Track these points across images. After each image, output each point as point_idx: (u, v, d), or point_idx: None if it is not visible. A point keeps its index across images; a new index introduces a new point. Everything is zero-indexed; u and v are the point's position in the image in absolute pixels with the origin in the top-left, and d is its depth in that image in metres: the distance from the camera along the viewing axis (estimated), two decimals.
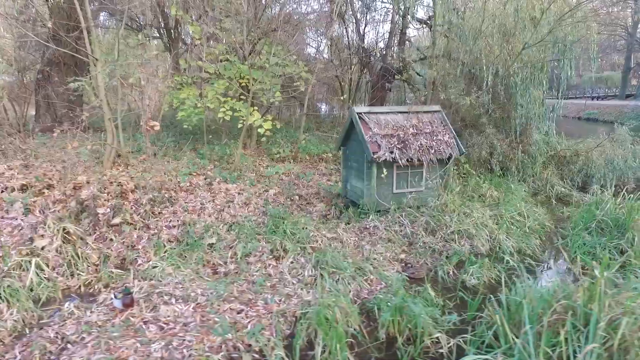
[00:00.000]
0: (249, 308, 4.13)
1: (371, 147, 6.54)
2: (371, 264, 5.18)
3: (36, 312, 4.01)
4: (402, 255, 5.55)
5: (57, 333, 3.62)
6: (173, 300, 4.15)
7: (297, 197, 7.67)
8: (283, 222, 5.96)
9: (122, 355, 3.30)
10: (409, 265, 5.36)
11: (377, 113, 7.11)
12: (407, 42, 16.41)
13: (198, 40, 8.67)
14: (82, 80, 7.21)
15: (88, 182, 6.63)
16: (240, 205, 6.90)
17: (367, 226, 6.43)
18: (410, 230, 6.16)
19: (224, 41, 8.25)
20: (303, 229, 5.85)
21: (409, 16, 12.61)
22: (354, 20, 15.50)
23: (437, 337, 3.65)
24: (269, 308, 4.16)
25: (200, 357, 3.32)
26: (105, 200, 6.18)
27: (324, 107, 19.77)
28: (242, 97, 8.15)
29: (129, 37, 12.13)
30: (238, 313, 4.03)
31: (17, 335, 3.67)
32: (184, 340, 3.53)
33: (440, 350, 3.59)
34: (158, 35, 14.85)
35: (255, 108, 9.39)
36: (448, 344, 3.60)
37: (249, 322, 3.87)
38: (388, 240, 5.95)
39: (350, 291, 4.48)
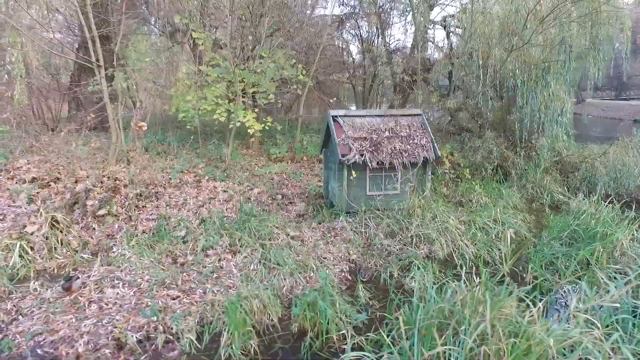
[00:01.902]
0: (185, 296, 4.52)
1: (341, 149, 6.71)
2: (320, 262, 5.39)
3: (8, 287, 4.63)
4: (354, 256, 5.70)
5: (14, 306, 4.21)
6: (120, 285, 4.63)
7: (280, 197, 7.99)
8: (250, 220, 6.30)
9: (56, 327, 3.81)
10: (358, 265, 5.50)
11: (353, 116, 7.26)
12: (429, 42, 16.24)
13: (202, 46, 9.25)
14: (99, 83, 8.01)
15: (88, 177, 7.37)
16: (220, 202, 7.34)
17: (335, 226, 6.62)
18: (374, 232, 6.26)
19: (228, 46, 8.71)
20: (267, 226, 6.15)
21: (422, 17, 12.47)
22: (378, 21, 15.56)
23: (343, 333, 3.81)
24: (204, 297, 4.52)
25: (120, 334, 3.74)
26: (97, 193, 6.85)
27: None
28: (235, 99, 8.58)
29: (152, 41, 13.11)
30: (173, 299, 4.42)
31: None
32: (114, 319, 3.98)
33: (344, 346, 3.75)
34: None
35: (256, 110, 9.86)
36: (352, 340, 3.75)
37: (179, 308, 4.25)
38: (348, 240, 6.11)
39: (284, 286, 4.73)
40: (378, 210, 6.74)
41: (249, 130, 8.32)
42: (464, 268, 5.31)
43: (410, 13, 12.28)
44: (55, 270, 5.20)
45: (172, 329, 3.92)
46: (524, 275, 5.16)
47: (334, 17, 12.95)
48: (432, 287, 3.80)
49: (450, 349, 3.02)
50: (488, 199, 8.00)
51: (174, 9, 10.97)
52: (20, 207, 6.52)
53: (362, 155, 6.70)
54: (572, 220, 6.06)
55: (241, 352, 3.64)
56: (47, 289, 4.57)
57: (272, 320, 4.11)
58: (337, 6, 13.42)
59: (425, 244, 5.95)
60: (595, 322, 3.03)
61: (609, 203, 6.50)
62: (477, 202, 7.86)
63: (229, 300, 4.00)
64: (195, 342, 3.76)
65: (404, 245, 5.94)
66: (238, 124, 8.38)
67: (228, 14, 7.36)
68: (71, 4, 7.45)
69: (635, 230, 5.51)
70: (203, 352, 3.68)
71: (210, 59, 9.20)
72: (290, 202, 7.93)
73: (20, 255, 5.28)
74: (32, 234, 5.73)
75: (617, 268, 4.54)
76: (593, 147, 9.32)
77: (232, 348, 3.59)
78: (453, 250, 5.90)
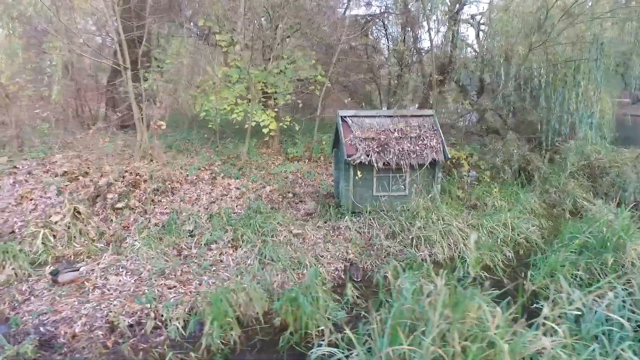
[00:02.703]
0: (182, 286, 4.77)
1: (348, 149, 6.76)
2: (317, 260, 5.49)
3: (28, 270, 5.08)
4: (351, 256, 5.73)
5: (29, 287, 4.63)
6: (124, 273, 4.96)
7: (291, 195, 8.15)
8: (256, 217, 6.50)
9: (60, 309, 4.16)
10: (354, 264, 5.53)
11: (362, 117, 7.28)
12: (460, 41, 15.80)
13: (225, 48, 9.59)
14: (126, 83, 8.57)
15: (112, 172, 7.88)
16: (232, 198, 7.61)
17: (340, 226, 6.68)
18: (376, 233, 6.26)
19: (241, 48, 9.00)
20: (271, 223, 6.31)
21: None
22: (406, 20, 15.33)
23: (323, 329, 3.89)
24: (199, 288, 4.74)
25: (114, 318, 4.02)
26: (118, 187, 7.32)
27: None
28: (253, 99, 8.84)
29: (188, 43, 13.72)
30: (169, 289, 4.68)
31: (6, 285, 4.75)
32: (112, 304, 4.29)
33: (321, 342, 3.82)
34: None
35: (276, 109, 10.08)
36: (330, 336, 3.82)
37: (173, 297, 4.50)
38: (349, 240, 6.15)
39: (275, 281, 4.86)
40: (382, 211, 6.72)
41: (263, 130, 8.54)
42: (462, 272, 5.26)
43: (437, 12, 12.02)
44: (72, 257, 5.64)
45: (162, 316, 4.17)
46: (524, 283, 4.97)
47: (358, 17, 12.94)
48: (412, 288, 3.78)
49: (414, 350, 3.02)
50: (505, 203, 7.75)
51: (202, 12, 11.39)
52: (50, 199, 7.09)
53: (368, 155, 6.71)
54: (586, 227, 5.75)
55: (222, 342, 3.81)
56: (58, 274, 4.97)
57: (257, 313, 4.25)
58: (362, 6, 13.36)
59: (426, 246, 5.88)
60: (561, 331, 2.93)
61: (631, 209, 6.11)
62: (492, 205, 7.63)
63: (216, 291, 4.18)
64: (181, 329, 3.97)
65: (404, 246, 5.91)
66: (254, 124, 8.62)
67: (242, 17, 7.60)
68: (104, 9, 7.94)
69: None
70: (187, 340, 3.89)
71: (232, 60, 9.52)
72: (301, 201, 8.05)
73: (43, 242, 5.77)
74: (56, 223, 6.23)
75: (612, 279, 4.28)
76: (624, 151, 8.73)
77: (212, 337, 3.76)
78: (454, 253, 5.79)
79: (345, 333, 3.77)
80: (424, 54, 14.77)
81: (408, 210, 6.52)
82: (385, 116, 7.35)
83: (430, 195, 6.74)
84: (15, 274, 4.97)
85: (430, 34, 10.19)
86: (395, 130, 7.11)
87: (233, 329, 3.93)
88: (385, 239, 6.06)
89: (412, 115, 7.39)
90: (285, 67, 9.47)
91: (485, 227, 6.42)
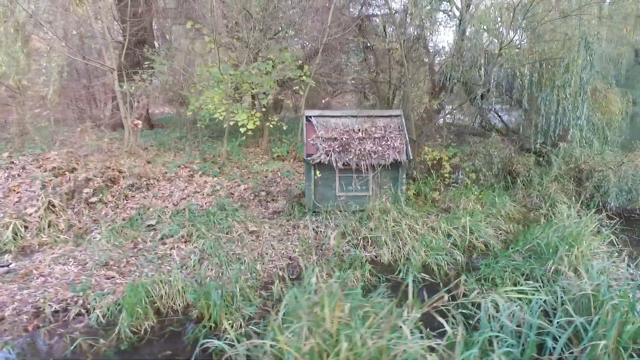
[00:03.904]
0: (120, 277, 4.99)
1: (308, 149, 6.82)
2: (262, 257, 5.59)
3: None
4: (295, 254, 5.78)
5: None
6: (71, 263, 5.25)
7: (264, 193, 8.28)
8: (215, 213, 6.68)
9: None
10: (295, 262, 5.59)
11: (327, 117, 7.31)
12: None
13: (212, 49, 9.86)
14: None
15: (95, 168, 8.30)
16: (203, 195, 7.83)
17: (300, 224, 6.75)
18: (325, 232, 6.29)
19: (235, 49, 9.24)
20: (228, 220, 6.47)
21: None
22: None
23: (231, 323, 4.00)
24: (138, 280, 4.95)
25: (43, 303, 4.29)
26: (96, 182, 7.71)
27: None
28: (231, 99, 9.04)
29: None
30: (108, 279, 4.92)
31: None
32: (46, 290, 4.56)
33: (228, 335, 3.92)
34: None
35: (263, 109, 10.25)
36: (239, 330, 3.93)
37: (108, 287, 4.73)
38: (299, 238, 6.21)
39: (208, 276, 5.00)
40: (340, 211, 6.73)
41: (241, 129, 8.73)
42: (401, 273, 5.23)
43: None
44: (37, 247, 6.01)
45: (89, 304, 4.40)
46: (458, 285, 4.87)
47: (354, 17, 12.88)
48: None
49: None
50: (479, 206, 7.56)
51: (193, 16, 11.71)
52: (35, 192, 7.57)
53: (328, 155, 6.74)
54: (539, 232, 5.54)
55: (134, 330, 3.99)
56: (14, 262, 5.34)
57: (179, 305, 4.40)
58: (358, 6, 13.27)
59: (373, 247, 5.85)
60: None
61: (596, 213, 5.85)
62: (464, 208, 7.46)
63: (140, 283, 4.37)
64: (101, 317, 4.18)
65: (352, 247, 5.90)
66: (232, 123, 8.82)
67: (218, 18, 7.80)
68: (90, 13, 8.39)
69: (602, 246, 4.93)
70: (104, 327, 4.09)
71: (214, 61, 9.77)
72: (273, 199, 8.17)
73: (14, 233, 6.19)
74: (30, 215, 6.66)
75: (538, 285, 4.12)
76: (609, 154, 8.29)
77: (124, 325, 3.95)
78: (401, 255, 5.73)
79: (251, 328, 3.89)
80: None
81: (363, 210, 6.50)
82: (351, 116, 7.35)
83: (386, 196, 6.68)
84: None
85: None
86: (359, 130, 7.10)
87: (147, 318, 4.09)
88: (334, 238, 6.07)
89: (378, 116, 7.35)
90: (273, 67, 9.62)
91: (444, 230, 6.30)
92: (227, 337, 3.87)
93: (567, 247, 4.91)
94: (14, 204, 7.14)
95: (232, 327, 3.97)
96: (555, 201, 7.77)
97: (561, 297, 3.94)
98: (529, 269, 4.99)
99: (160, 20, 15.22)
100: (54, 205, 6.88)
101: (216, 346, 3.47)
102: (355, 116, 7.30)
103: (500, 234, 6.68)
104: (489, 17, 7.95)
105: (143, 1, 12.16)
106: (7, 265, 5.14)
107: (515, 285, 4.77)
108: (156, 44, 14.97)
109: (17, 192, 7.56)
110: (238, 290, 4.37)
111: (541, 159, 8.54)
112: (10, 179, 7.99)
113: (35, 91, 10.06)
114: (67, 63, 10.18)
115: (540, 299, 3.96)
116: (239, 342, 3.57)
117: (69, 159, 8.75)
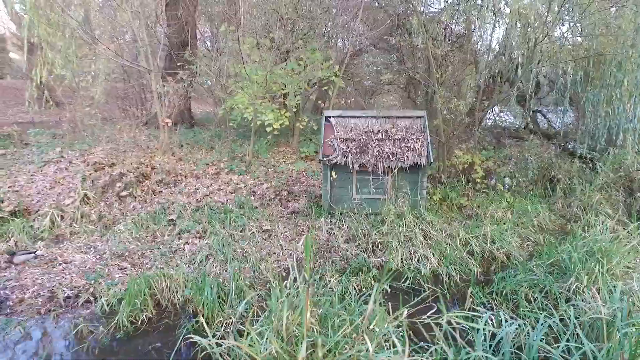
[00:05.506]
0: (132, 268, 5.24)
1: (325, 149, 6.75)
2: (269, 257, 5.62)
3: (27, 243, 5.98)
4: (302, 255, 5.73)
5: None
6: (91, 251, 5.59)
7: (285, 193, 8.32)
8: (232, 211, 6.82)
9: (23, 277, 4.86)
10: (301, 264, 5.54)
11: (347, 117, 7.19)
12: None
13: (247, 52, 10.10)
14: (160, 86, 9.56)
15: (131, 164, 8.80)
16: (226, 193, 8.03)
17: (315, 225, 6.71)
18: (336, 235, 6.18)
19: (268, 50, 9.42)
20: (243, 218, 6.58)
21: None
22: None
23: (222, 320, 4.05)
24: (148, 272, 5.17)
25: (57, 288, 4.61)
26: (129, 177, 8.17)
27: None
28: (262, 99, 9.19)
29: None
30: (120, 269, 5.18)
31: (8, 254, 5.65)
32: (64, 277, 4.89)
33: (217, 333, 3.98)
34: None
35: (294, 109, 10.34)
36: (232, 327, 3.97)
37: (119, 277, 4.98)
38: (313, 240, 6.15)
39: (212, 272, 5.10)
40: (355, 213, 6.59)
41: (267, 129, 8.84)
42: (408, 281, 5.02)
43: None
44: (68, 236, 6.47)
45: (98, 292, 4.66)
46: (465, 299, 4.57)
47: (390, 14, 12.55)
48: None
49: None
50: (509, 215, 7.07)
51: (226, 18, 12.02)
52: (75, 184, 8.18)
53: (345, 156, 6.63)
54: (568, 244, 5.06)
55: (133, 320, 4.16)
56: (43, 249, 5.78)
57: (178, 299, 4.53)
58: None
59: (383, 253, 5.66)
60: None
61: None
62: (492, 216, 7.01)
63: (143, 275, 4.55)
64: (106, 306, 4.40)
65: (361, 251, 5.75)
66: (259, 122, 8.97)
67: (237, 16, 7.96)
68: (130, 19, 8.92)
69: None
70: (107, 315, 4.30)
71: (252, 61, 9.98)
72: (294, 199, 8.19)
73: (52, 221, 6.72)
74: (67, 205, 7.21)
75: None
76: None
77: (122, 315, 4.13)
78: (411, 262, 5.49)
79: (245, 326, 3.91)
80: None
81: (378, 214, 6.31)
82: (372, 117, 7.17)
83: (402, 200, 6.43)
84: (16, 245, 5.90)
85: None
86: (379, 131, 6.91)
87: (146, 310, 4.25)
88: (345, 242, 5.95)
89: (400, 117, 7.11)
90: (304, 67, 9.66)
91: (462, 237, 5.96)
92: (216, 334, 3.95)
93: (593, 263, 4.44)
94: (57, 195, 7.76)
95: (221, 324, 4.02)
96: (598, 212, 7.08)
97: (575, 319, 3.56)
98: (549, 285, 4.57)
99: (206, 23, 15.88)
100: (88, 198, 7.37)
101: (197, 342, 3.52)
102: (376, 117, 7.11)
103: (528, 245, 6.20)
104: (532, 11, 7.38)
105: (188, 3, 12.76)
106: (34, 252, 5.57)
107: (529, 302, 4.42)
108: (202, 45, 15.63)
109: (61, 184, 8.20)
110: (234, 287, 4.41)
111: (584, 165, 7.80)
112: (57, 172, 8.68)
113: (86, 91, 10.91)
114: (115, 66, 10.89)
115: (551, 319, 3.62)
116: (223, 338, 3.63)
117: (110, 155, 9.36)
